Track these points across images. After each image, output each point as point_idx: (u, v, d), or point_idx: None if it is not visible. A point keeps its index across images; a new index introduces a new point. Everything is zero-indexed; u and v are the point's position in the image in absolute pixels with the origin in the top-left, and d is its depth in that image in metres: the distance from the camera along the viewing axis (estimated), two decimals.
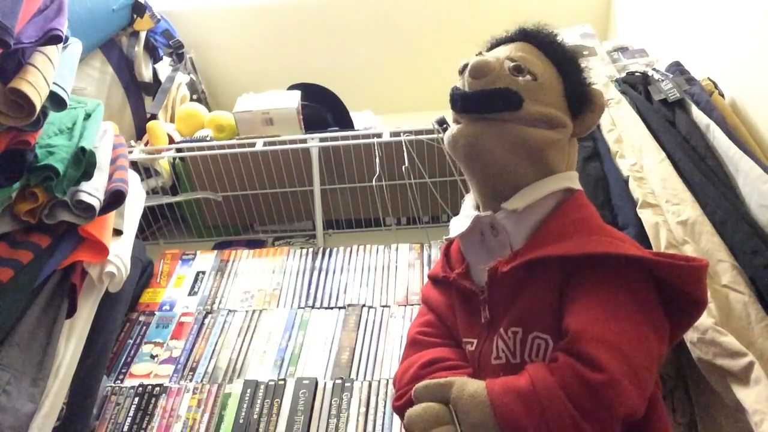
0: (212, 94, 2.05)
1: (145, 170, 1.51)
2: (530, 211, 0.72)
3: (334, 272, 1.37)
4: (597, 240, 0.68)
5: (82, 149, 1.03)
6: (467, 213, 0.79)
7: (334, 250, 1.43)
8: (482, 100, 0.71)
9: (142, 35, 1.70)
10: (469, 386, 0.64)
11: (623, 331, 0.62)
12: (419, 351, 0.80)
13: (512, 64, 0.72)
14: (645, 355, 0.62)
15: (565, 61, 0.75)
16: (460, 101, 0.73)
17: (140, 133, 1.67)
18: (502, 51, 0.76)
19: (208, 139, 1.56)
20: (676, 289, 0.67)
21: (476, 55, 0.75)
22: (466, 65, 0.73)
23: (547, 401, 0.59)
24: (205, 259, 1.44)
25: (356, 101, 1.72)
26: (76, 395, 1.06)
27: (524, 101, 0.70)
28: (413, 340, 0.82)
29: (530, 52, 0.75)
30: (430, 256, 1.38)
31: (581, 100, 0.75)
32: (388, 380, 1.10)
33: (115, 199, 1.09)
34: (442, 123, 1.38)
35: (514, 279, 0.71)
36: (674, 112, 1.14)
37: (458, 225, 0.79)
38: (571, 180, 0.76)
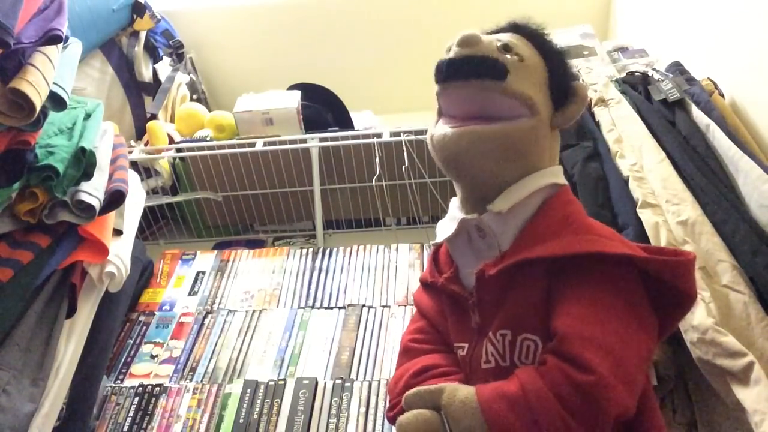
0: (212, 94, 2.05)
1: (145, 170, 1.51)
2: (516, 210, 0.72)
3: (334, 272, 1.37)
4: (583, 239, 0.68)
5: (82, 149, 1.03)
6: (453, 215, 0.79)
7: (334, 250, 1.43)
8: (469, 64, 0.70)
9: (142, 35, 1.70)
10: (460, 392, 0.64)
11: (612, 331, 0.62)
12: (411, 359, 0.79)
13: (501, 43, 0.73)
14: (634, 354, 0.62)
15: (553, 54, 0.76)
16: (446, 67, 0.72)
17: (140, 133, 1.67)
18: (492, 35, 0.76)
19: (208, 139, 1.56)
20: (666, 283, 0.67)
21: None
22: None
23: (538, 405, 0.59)
24: (205, 259, 1.44)
25: (356, 101, 1.72)
26: (76, 395, 1.06)
27: (509, 74, 0.70)
28: (405, 347, 0.82)
29: (520, 40, 0.75)
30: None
31: (565, 93, 0.75)
32: (388, 380, 1.10)
33: (115, 199, 1.09)
34: None
35: (501, 281, 0.70)
36: (674, 112, 1.14)
37: (445, 228, 0.79)
38: (555, 175, 0.75)
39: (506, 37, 0.75)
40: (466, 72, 0.70)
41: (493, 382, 0.65)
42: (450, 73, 0.72)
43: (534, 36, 0.76)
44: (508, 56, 0.72)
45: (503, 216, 0.72)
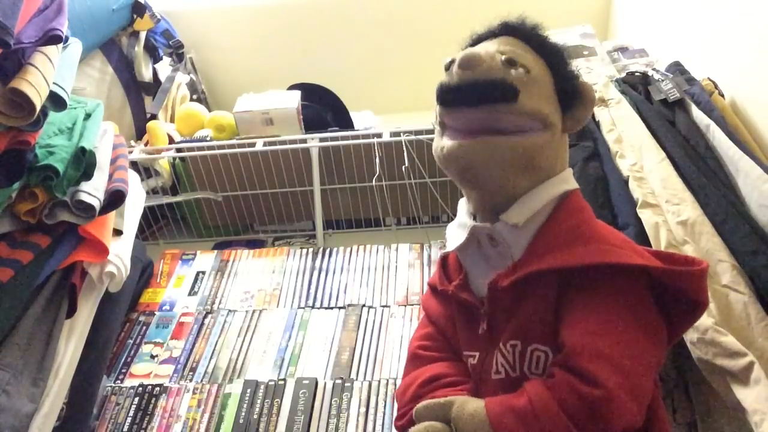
0: (212, 94, 2.05)
1: (145, 170, 1.51)
2: (529, 220, 0.70)
3: (334, 272, 1.37)
4: (595, 248, 0.67)
5: (82, 149, 1.03)
6: (463, 221, 0.77)
7: (334, 250, 1.43)
8: (477, 91, 0.67)
9: (142, 35, 1.70)
10: (469, 405, 0.64)
11: (620, 343, 0.61)
12: (419, 366, 0.78)
13: (504, 56, 0.69)
14: (643, 367, 0.62)
15: (553, 55, 0.73)
16: (453, 94, 0.69)
17: (140, 133, 1.67)
18: (490, 45, 0.72)
19: (208, 139, 1.56)
20: (676, 290, 0.67)
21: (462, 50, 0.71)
22: (452, 61, 0.70)
23: (546, 419, 0.59)
24: (205, 259, 1.44)
25: (356, 101, 1.72)
26: (76, 395, 1.06)
27: (520, 94, 0.68)
28: (413, 354, 0.81)
29: (518, 45, 0.72)
30: (430, 256, 1.37)
31: (571, 94, 0.73)
32: (388, 380, 1.10)
33: (115, 199, 1.09)
34: None
35: (513, 292, 0.69)
36: (674, 112, 1.14)
37: (455, 235, 0.77)
38: (567, 181, 0.74)
39: (506, 47, 0.71)
40: (476, 99, 0.68)
41: (501, 395, 0.65)
42: (458, 100, 0.69)
43: (531, 38, 0.73)
44: (514, 72, 0.68)
45: (516, 226, 0.70)
